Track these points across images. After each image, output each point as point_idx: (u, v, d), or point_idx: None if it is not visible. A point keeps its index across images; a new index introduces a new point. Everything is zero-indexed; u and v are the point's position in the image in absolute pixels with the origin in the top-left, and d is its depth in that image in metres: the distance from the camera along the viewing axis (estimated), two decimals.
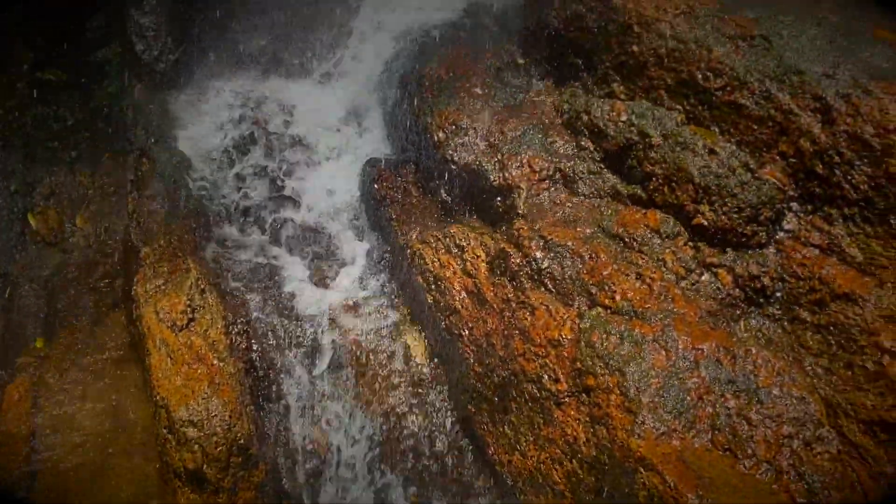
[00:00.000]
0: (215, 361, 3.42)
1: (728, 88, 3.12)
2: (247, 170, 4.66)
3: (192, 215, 4.32)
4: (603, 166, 3.49)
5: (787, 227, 2.94)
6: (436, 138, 3.91)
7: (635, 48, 3.50)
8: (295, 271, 4.10)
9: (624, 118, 3.41)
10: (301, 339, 3.72)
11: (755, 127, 3.03)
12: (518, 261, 3.26)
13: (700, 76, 3.21)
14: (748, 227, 2.95)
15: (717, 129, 3.16)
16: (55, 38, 5.32)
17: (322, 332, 3.72)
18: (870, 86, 2.80)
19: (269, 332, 3.70)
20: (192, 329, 3.52)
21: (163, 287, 3.73)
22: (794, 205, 2.94)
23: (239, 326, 3.63)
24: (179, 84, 5.43)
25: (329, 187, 4.57)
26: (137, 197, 4.69)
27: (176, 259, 3.94)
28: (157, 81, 5.35)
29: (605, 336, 2.83)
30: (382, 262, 4.04)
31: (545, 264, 3.17)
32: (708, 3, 3.40)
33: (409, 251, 3.76)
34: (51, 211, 5.22)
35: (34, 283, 4.86)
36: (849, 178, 2.76)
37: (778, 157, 2.97)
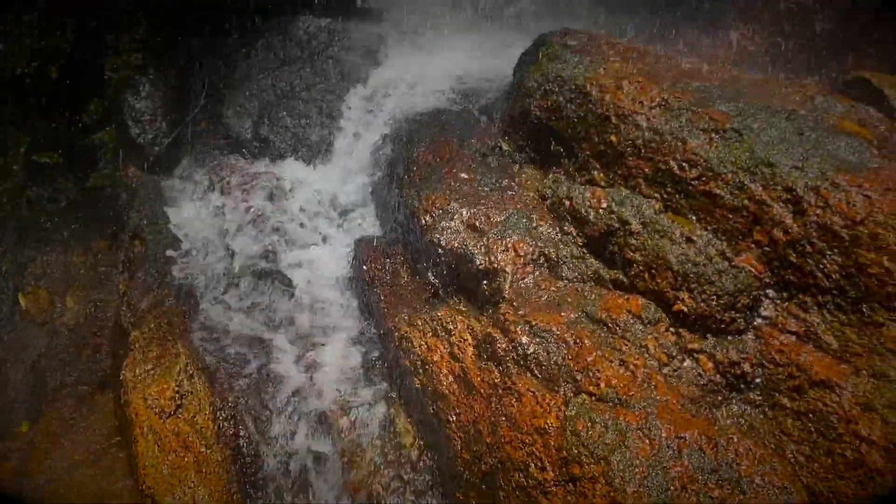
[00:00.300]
0: (202, 449, 3.42)
1: (703, 178, 3.24)
2: (237, 250, 4.73)
3: (183, 297, 4.36)
4: (586, 251, 3.58)
5: (764, 313, 3.01)
6: (423, 222, 4.01)
7: (613, 138, 3.64)
8: (283, 353, 4.12)
9: (604, 205, 3.52)
10: (288, 423, 3.72)
11: (730, 216, 3.14)
12: (504, 346, 3.31)
13: (676, 166, 3.34)
14: (727, 314, 3.03)
15: (693, 218, 3.26)
16: (53, 122, 5.47)
17: (309, 416, 3.73)
18: (837, 178, 2.92)
19: (257, 418, 3.70)
20: (180, 415, 3.52)
21: (151, 372, 3.75)
22: (771, 292, 3.03)
23: (226, 412, 3.63)
24: (173, 166, 5.56)
25: (319, 267, 4.63)
26: (128, 278, 4.75)
27: (165, 343, 3.97)
28: (151, 164, 5.48)
29: (590, 424, 2.86)
30: (370, 345, 4.08)
31: (531, 349, 3.22)
32: (682, 96, 3.57)
33: (396, 334, 3.81)
34: (41, 291, 5.27)
35: (22, 363, 4.87)
36: (821, 267, 2.85)
37: (753, 246, 3.07)
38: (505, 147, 4.40)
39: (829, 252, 2.84)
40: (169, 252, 4.65)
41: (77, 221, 5.57)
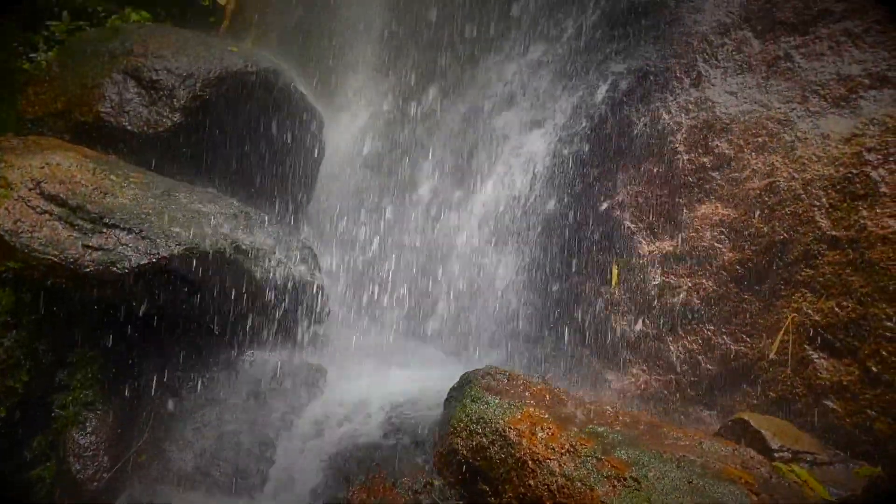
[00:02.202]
0: None
1: None
2: None
3: None
4: None
5: None
6: None
7: (531, 482, 3.99)
8: None
9: None
10: None
11: None
12: None
13: None
14: None
15: None
16: None
17: None
18: None
19: None
20: None
21: None
22: None
23: None
24: (110, 501, 5.59)
25: None
26: None
27: None
28: (88, 499, 5.51)
29: None
30: None
31: None
32: (587, 443, 4.01)
33: None
34: None
35: None
36: None
37: None
38: (436, 484, 4.68)
39: None
40: None
41: None
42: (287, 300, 6.63)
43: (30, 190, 5.71)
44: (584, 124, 6.40)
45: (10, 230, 5.46)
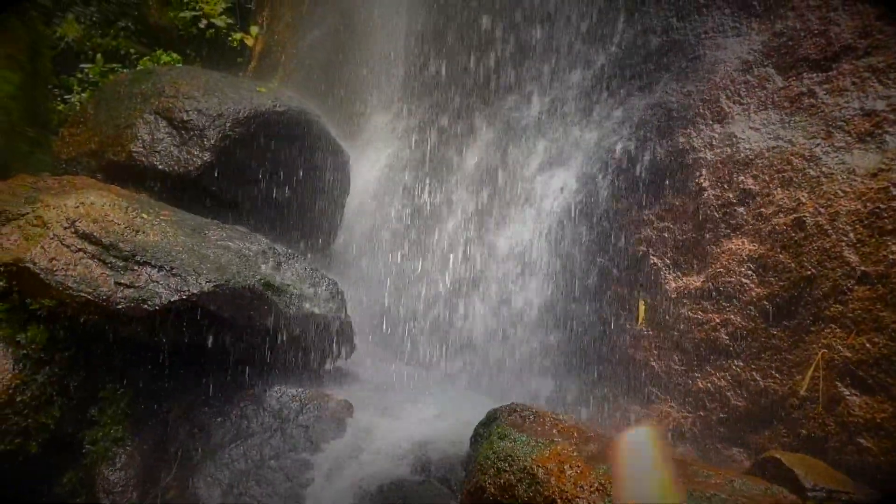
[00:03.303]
0: None
1: None
2: None
3: None
4: None
5: None
6: None
7: None
8: None
9: None
10: None
11: None
12: None
13: None
14: None
15: None
16: (23, 495, 5.63)
17: None
18: None
19: None
20: None
21: None
22: None
23: None
24: None
25: None
26: None
27: None
28: None
29: None
30: None
31: None
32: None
33: None
34: None
35: None
36: None
37: None
38: None
39: None
40: None
41: None
42: (314, 335, 6.68)
43: (65, 229, 5.85)
44: (608, 161, 6.45)
45: (45, 268, 5.59)
